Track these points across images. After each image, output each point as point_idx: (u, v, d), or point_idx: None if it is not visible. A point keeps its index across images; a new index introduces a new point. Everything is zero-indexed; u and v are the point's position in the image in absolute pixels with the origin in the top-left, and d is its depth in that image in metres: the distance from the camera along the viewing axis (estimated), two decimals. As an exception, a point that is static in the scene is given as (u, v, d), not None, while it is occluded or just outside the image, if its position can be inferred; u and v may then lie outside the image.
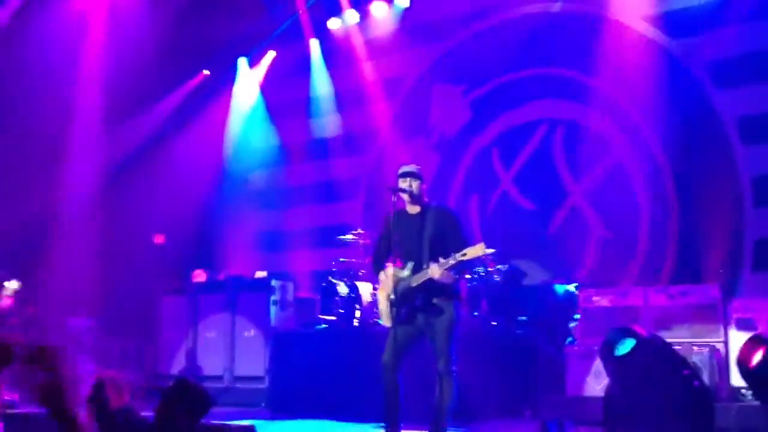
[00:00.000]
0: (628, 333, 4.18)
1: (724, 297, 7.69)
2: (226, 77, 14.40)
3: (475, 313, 9.23)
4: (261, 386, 10.32)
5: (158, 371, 11.45)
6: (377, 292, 6.48)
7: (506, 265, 9.74)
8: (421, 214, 6.16)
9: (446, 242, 6.05)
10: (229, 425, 5.80)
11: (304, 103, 13.72)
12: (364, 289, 9.61)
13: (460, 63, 12.02)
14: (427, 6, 12.47)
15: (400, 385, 6.04)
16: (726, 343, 7.52)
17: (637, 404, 4.08)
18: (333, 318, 9.78)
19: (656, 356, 4.12)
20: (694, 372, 4.44)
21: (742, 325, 7.44)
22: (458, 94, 12.01)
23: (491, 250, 9.93)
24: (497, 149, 11.65)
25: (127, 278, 12.74)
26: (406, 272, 6.07)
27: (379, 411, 6.17)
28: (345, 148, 13.22)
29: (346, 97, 13.27)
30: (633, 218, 10.27)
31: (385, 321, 6.25)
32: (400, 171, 6.28)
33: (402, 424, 6.08)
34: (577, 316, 8.99)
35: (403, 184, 6.19)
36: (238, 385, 10.69)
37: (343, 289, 9.75)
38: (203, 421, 5.78)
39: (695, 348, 7.37)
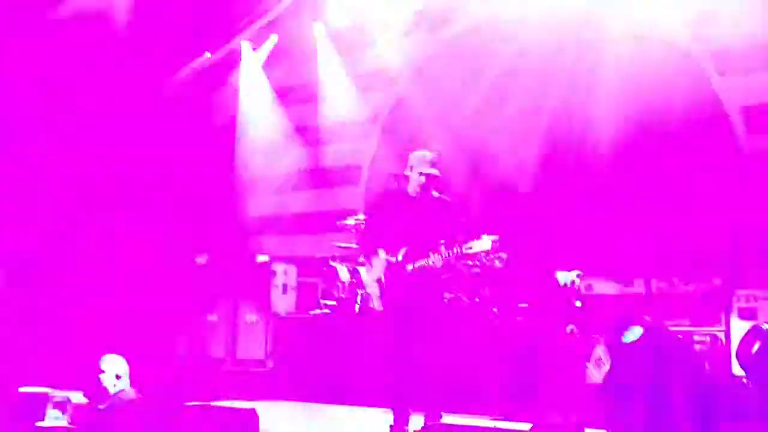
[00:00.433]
0: (635, 320, 4.17)
1: (726, 286, 7.68)
2: (229, 61, 14.36)
3: (477, 300, 9.23)
4: (260, 370, 10.34)
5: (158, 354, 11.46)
6: (367, 275, 6.39)
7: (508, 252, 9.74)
8: (423, 200, 6.13)
9: (444, 230, 6.04)
10: (230, 408, 5.82)
11: (307, 87, 13.68)
12: (366, 273, 9.60)
13: (463, 50, 11.96)
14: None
15: (403, 371, 6.04)
16: (727, 331, 7.52)
17: (641, 390, 4.09)
18: (334, 303, 9.79)
19: (663, 342, 4.12)
20: (701, 361, 4.45)
21: (744, 314, 7.45)
22: (462, 80, 11.95)
23: (495, 237, 9.96)
24: (500, 134, 11.59)
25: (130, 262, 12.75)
26: (399, 257, 6.01)
27: (382, 395, 6.18)
28: (347, 132, 13.20)
29: (348, 82, 13.23)
30: (636, 205, 10.25)
31: (376, 304, 6.20)
32: (412, 155, 6.19)
33: (408, 411, 6.09)
34: (578, 304, 9.00)
35: (413, 167, 6.11)
36: (238, 368, 10.70)
37: (344, 274, 9.75)
38: (206, 405, 5.82)
39: (696, 336, 7.37)
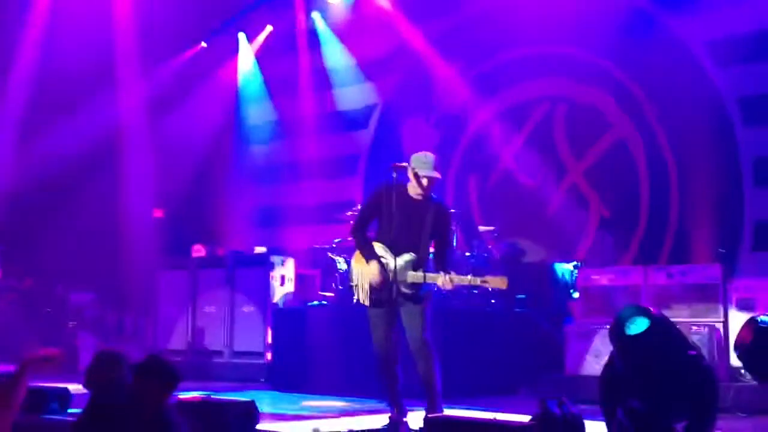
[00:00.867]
0: (640, 311, 4.14)
1: (724, 277, 7.69)
2: (225, 51, 14.34)
3: (475, 291, 9.24)
4: (260, 361, 10.36)
5: (157, 346, 11.47)
6: (355, 265, 6.18)
7: (505, 243, 9.78)
8: (424, 203, 6.02)
9: (437, 239, 6.02)
10: (229, 401, 5.83)
11: (304, 78, 13.66)
12: (356, 268, 9.59)
13: (461, 39, 11.94)
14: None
15: (398, 369, 6.04)
16: (725, 323, 7.53)
17: (641, 383, 4.09)
18: (332, 295, 9.80)
19: (666, 335, 4.10)
20: (700, 352, 4.45)
21: (742, 305, 7.46)
22: (459, 71, 11.94)
23: (491, 226, 9.99)
24: (497, 127, 11.62)
25: (126, 252, 12.76)
26: (400, 261, 5.89)
27: (379, 387, 6.18)
28: (345, 123, 13.19)
29: (344, 73, 13.21)
30: (633, 197, 10.27)
31: (362, 298, 6.13)
32: (414, 157, 6.07)
33: (406, 406, 6.09)
34: (576, 295, 9.02)
35: (413, 174, 6.00)
36: (237, 360, 10.71)
37: (342, 265, 9.75)
38: (204, 397, 5.82)
39: (694, 327, 7.37)
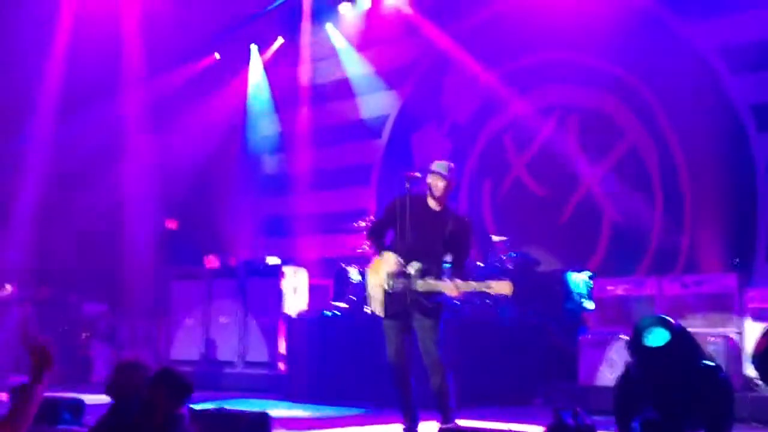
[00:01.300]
0: (659, 322, 4.10)
1: (739, 286, 7.63)
2: (237, 62, 14.40)
3: (487, 301, 9.21)
4: (273, 372, 10.35)
5: (170, 356, 11.49)
6: (370, 276, 6.21)
7: (518, 253, 9.74)
8: (441, 213, 6.05)
9: (452, 249, 6.01)
10: (242, 412, 5.82)
11: (313, 88, 13.70)
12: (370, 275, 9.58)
13: (473, 48, 11.93)
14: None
15: (411, 380, 6.02)
16: (741, 333, 7.47)
17: (657, 394, 4.06)
18: (345, 305, 9.78)
19: (684, 347, 4.07)
20: (717, 363, 4.41)
21: (757, 315, 7.39)
22: (470, 80, 11.93)
23: (503, 236, 9.96)
24: (510, 135, 11.61)
25: (139, 263, 12.79)
26: (411, 270, 5.92)
27: (393, 396, 6.17)
28: (358, 133, 13.20)
29: (357, 83, 13.24)
30: (647, 206, 10.22)
31: (377, 309, 6.13)
32: (436, 164, 6.12)
33: (419, 416, 6.07)
34: (589, 304, 8.98)
35: (430, 179, 6.06)
36: (250, 370, 10.71)
37: (355, 275, 9.74)
38: (216, 409, 5.81)
39: (710, 338, 7.31)
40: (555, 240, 10.73)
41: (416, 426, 6.05)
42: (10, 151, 12.70)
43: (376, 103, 13.01)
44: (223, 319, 11.12)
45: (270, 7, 13.46)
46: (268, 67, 14.30)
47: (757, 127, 9.47)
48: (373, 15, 13.01)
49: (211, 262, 11.72)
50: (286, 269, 10.90)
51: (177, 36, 12.86)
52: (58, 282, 12.65)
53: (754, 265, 9.25)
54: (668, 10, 10.21)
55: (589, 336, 8.23)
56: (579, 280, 9.75)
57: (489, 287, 5.75)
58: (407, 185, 6.06)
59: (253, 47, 14.33)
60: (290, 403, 8.97)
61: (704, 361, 4.16)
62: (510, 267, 9.52)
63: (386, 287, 5.97)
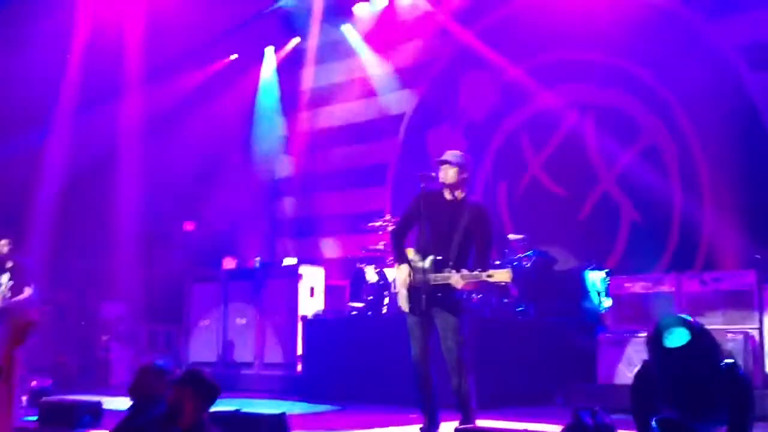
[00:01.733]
0: (679, 322, 4.05)
1: (759, 283, 7.56)
2: (254, 64, 14.43)
3: (505, 300, 9.18)
4: (289, 373, 10.35)
5: (188, 358, 11.52)
6: (396, 273, 6.28)
7: (535, 252, 9.70)
8: (457, 204, 6.03)
9: (474, 240, 5.98)
10: (260, 414, 5.81)
11: (330, 90, 13.71)
12: (393, 275, 9.58)
13: (491, 45, 11.88)
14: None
15: (433, 376, 6.00)
16: (761, 329, 7.41)
17: (676, 393, 4.02)
18: (362, 305, 9.78)
19: (705, 346, 4.02)
20: (736, 361, 4.36)
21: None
22: (487, 78, 11.90)
23: (520, 235, 9.92)
24: (527, 134, 11.56)
25: (157, 265, 12.83)
26: (426, 264, 5.93)
27: (410, 396, 6.15)
28: (373, 133, 13.19)
29: (373, 83, 13.23)
30: (665, 204, 10.14)
31: (403, 305, 6.15)
32: (450, 153, 6.12)
33: (439, 417, 6.05)
34: (609, 304, 8.92)
35: (440, 170, 6.07)
36: (267, 372, 10.72)
37: (372, 276, 9.73)
38: (235, 410, 5.81)
39: (729, 335, 7.27)
40: (573, 238, 10.68)
41: (436, 428, 6.03)
42: (29, 152, 12.76)
43: (392, 102, 12.99)
44: (240, 321, 11.14)
45: (274, 7, 13.47)
46: (281, 68, 14.32)
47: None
48: (389, 14, 13.00)
49: (229, 263, 11.75)
50: (302, 270, 10.91)
51: (188, 38, 12.87)
52: (77, 285, 12.73)
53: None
54: (688, 8, 10.14)
55: (608, 335, 8.18)
56: (596, 278, 9.69)
57: (490, 276, 5.74)
58: (422, 185, 6.09)
59: (269, 49, 14.35)
60: (307, 404, 8.98)
61: (723, 359, 4.12)
62: (527, 266, 9.49)
63: (409, 283, 5.99)
